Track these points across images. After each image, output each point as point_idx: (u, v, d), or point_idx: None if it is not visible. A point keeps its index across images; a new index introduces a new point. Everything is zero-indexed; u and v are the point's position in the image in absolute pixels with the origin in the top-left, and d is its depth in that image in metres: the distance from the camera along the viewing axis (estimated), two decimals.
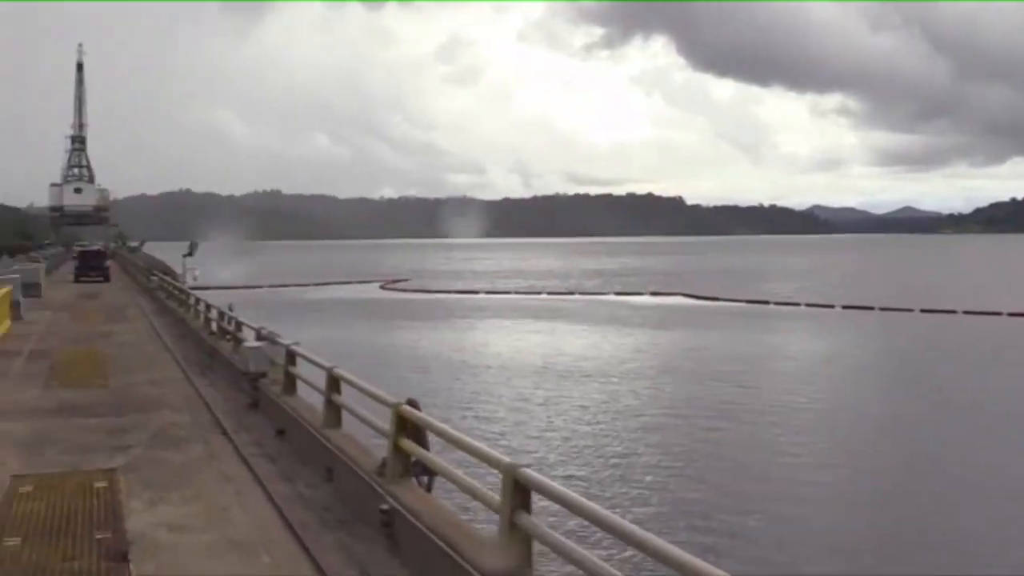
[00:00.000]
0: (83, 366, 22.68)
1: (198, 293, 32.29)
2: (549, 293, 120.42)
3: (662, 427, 34.92)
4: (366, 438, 12.12)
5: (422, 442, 9.73)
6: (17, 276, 34.91)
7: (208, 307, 25.83)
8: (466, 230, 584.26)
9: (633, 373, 49.12)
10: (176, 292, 35.56)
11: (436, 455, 9.82)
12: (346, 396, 12.62)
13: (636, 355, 57.33)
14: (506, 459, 7.10)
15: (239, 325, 21.03)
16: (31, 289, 45.07)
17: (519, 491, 6.75)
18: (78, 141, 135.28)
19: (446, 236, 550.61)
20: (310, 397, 14.65)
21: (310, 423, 13.24)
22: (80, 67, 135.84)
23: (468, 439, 8.28)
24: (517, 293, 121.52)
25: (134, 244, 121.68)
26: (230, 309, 23.45)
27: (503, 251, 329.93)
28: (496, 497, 7.04)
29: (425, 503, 9.19)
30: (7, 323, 31.11)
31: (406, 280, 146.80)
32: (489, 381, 50.19)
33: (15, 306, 33.91)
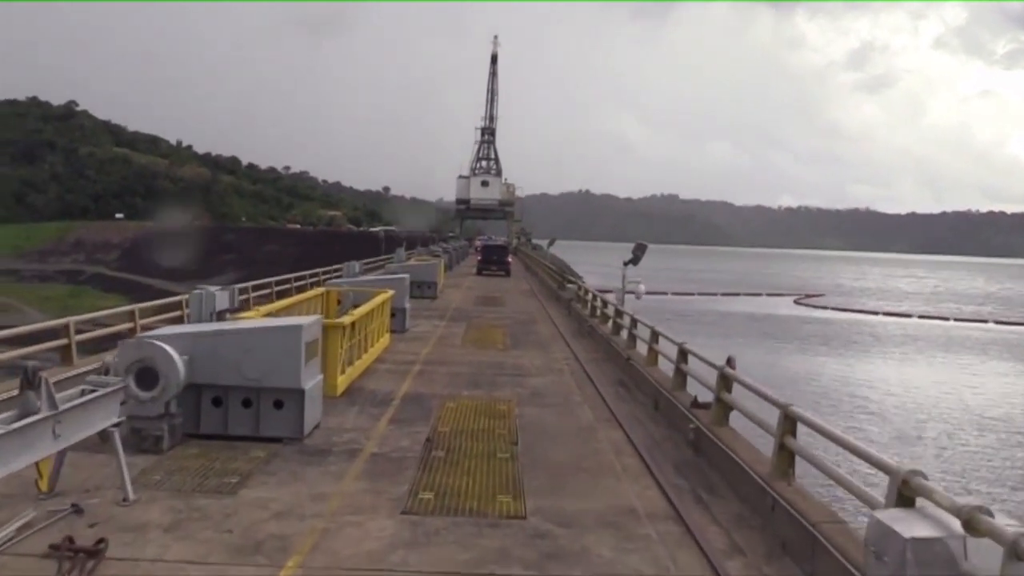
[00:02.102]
0: (478, 447, 12.51)
1: (631, 309, 21.65)
2: (997, 322, 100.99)
3: None
4: None
5: None
6: (405, 276, 26.44)
7: (683, 354, 14.65)
8: (868, 244, 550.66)
9: None
10: (602, 310, 25.32)
11: None
12: None
13: None
14: None
15: (791, 418, 9.38)
16: (426, 289, 37.84)
17: None
18: (488, 133, 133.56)
19: (848, 249, 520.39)
20: None
21: None
22: (494, 60, 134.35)
23: None
24: (956, 320, 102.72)
25: (537, 242, 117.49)
26: (729, 364, 12.19)
27: (917, 268, 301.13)
28: None
29: None
30: (385, 338, 22.42)
31: (822, 296, 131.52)
32: (974, 442, 38.29)
33: (399, 315, 25.42)
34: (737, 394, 12.01)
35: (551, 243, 66.14)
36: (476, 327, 28.38)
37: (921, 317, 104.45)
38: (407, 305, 26.07)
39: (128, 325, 16.67)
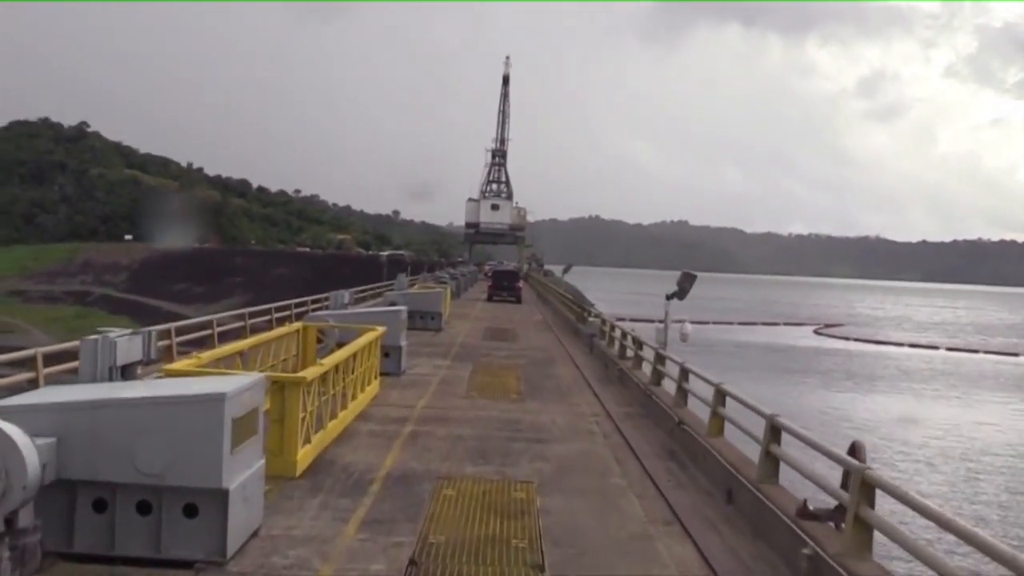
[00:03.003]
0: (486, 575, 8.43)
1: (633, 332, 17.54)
2: None
3: None
4: None
5: None
6: (401, 309, 22.27)
7: (776, 431, 10.38)
8: (879, 272, 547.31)
9: None
10: (637, 351, 21.18)
11: None
12: None
13: None
14: None
15: None
16: (429, 320, 34.01)
17: None
18: (499, 156, 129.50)
19: (858, 277, 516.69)
20: None
21: None
22: (506, 81, 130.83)
23: None
24: (986, 352, 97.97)
25: (548, 268, 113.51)
26: (856, 454, 8.15)
27: (934, 297, 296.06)
28: None
29: None
30: (373, 386, 18.39)
31: (842, 326, 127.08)
32: None
33: (394, 354, 21.38)
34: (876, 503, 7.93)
35: (567, 270, 61.47)
36: (484, 368, 24.29)
37: (949, 349, 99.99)
38: (403, 343, 21.99)
39: (28, 375, 12.68)
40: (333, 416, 14.11)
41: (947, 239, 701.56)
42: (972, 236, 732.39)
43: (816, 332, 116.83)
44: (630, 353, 22.36)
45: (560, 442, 14.78)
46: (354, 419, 15.56)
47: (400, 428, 15.27)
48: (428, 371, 23.02)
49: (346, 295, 23.04)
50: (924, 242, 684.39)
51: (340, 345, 17.91)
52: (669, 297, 20.16)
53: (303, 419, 11.98)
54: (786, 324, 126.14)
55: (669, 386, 17.24)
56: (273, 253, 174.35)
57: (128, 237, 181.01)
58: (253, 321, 23.65)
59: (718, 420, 12.79)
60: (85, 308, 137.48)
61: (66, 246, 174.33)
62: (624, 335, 23.28)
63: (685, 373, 15.33)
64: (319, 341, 19.36)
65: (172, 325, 17.60)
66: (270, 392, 11.73)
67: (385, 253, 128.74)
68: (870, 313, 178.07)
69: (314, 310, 28.36)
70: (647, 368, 19.93)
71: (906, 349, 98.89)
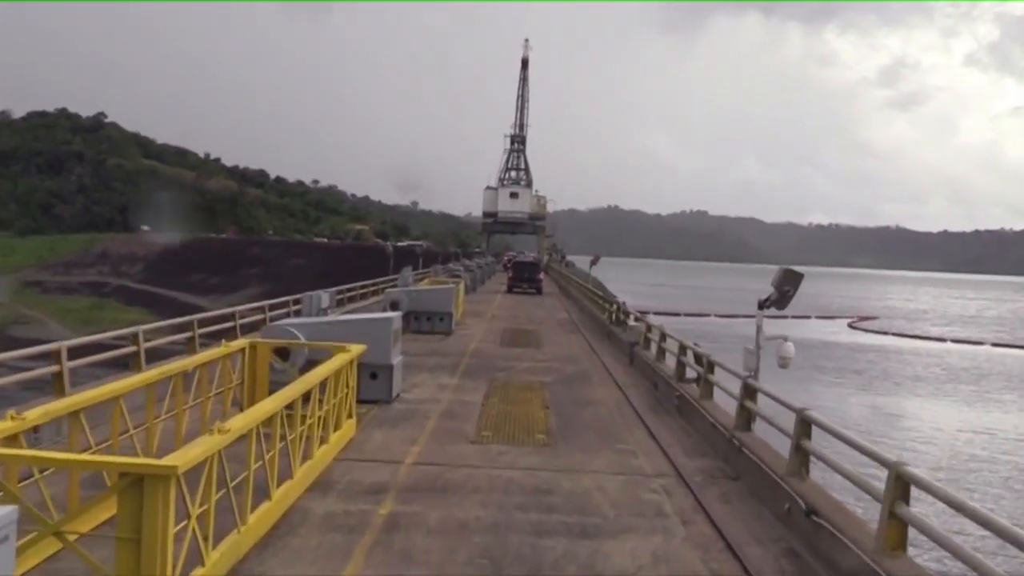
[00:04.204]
0: None
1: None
2: None
3: None
4: None
5: None
6: (391, 318, 16.69)
7: None
8: (900, 262, 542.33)
9: None
10: (707, 375, 15.80)
11: None
12: None
13: None
14: None
15: None
16: (437, 321, 29.07)
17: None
18: (518, 142, 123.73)
19: (879, 267, 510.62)
20: None
21: None
22: (525, 64, 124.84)
23: None
24: None
25: (570, 259, 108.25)
26: None
27: (961, 288, 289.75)
28: None
29: None
30: (345, 428, 13.20)
31: (876, 319, 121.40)
32: None
33: (383, 376, 16.20)
34: None
35: (594, 262, 55.55)
36: (502, 390, 19.01)
37: (994, 345, 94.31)
38: (396, 360, 16.72)
39: None
40: (266, 497, 8.96)
41: (969, 229, 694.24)
42: (994, 226, 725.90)
43: (850, 326, 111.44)
44: (691, 373, 17.06)
45: (617, 536, 9.46)
46: (306, 490, 10.40)
47: (373, 508, 10.02)
48: (428, 395, 17.83)
49: (324, 297, 17.79)
50: (946, 232, 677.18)
51: (311, 366, 12.92)
52: (764, 305, 14.55)
53: (186, 529, 6.84)
54: (817, 317, 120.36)
55: (767, 434, 11.96)
56: (290, 243, 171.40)
57: (145, 228, 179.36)
58: (207, 329, 18.47)
59: (898, 526, 7.46)
60: (101, 299, 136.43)
61: (83, 236, 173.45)
62: (683, 349, 17.94)
63: (806, 425, 9.99)
64: (271, 364, 14.24)
65: (63, 344, 12.48)
66: (117, 492, 6.61)
67: (401, 244, 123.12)
68: (901, 305, 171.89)
69: (296, 312, 23.42)
70: (721, 398, 14.64)
71: (948, 345, 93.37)
